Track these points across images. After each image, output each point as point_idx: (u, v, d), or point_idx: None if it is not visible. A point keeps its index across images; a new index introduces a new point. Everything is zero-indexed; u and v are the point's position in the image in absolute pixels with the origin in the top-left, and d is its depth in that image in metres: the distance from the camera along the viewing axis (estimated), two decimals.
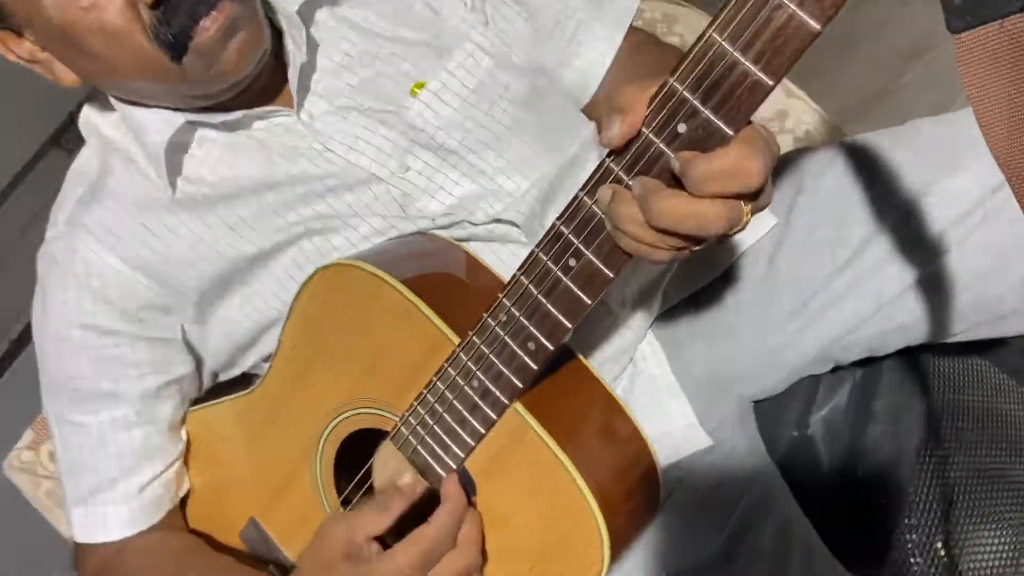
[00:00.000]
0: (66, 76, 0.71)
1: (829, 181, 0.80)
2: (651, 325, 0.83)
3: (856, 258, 0.78)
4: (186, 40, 0.65)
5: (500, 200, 0.76)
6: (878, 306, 0.77)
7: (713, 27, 0.46)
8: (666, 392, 0.80)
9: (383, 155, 0.75)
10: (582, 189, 0.55)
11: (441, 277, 0.70)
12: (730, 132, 0.48)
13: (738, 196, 0.46)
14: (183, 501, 0.85)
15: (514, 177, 0.77)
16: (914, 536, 0.88)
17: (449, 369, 0.65)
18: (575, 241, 0.57)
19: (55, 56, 0.69)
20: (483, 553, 0.68)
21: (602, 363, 0.79)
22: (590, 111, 0.85)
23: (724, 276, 0.84)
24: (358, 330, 0.71)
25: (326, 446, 0.76)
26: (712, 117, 0.48)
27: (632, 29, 0.84)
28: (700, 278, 0.84)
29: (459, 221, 0.76)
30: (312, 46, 0.75)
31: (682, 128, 0.49)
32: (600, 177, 0.53)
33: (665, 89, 0.49)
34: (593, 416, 0.68)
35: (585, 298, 0.58)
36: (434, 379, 0.66)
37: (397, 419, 0.70)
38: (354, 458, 0.78)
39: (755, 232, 0.82)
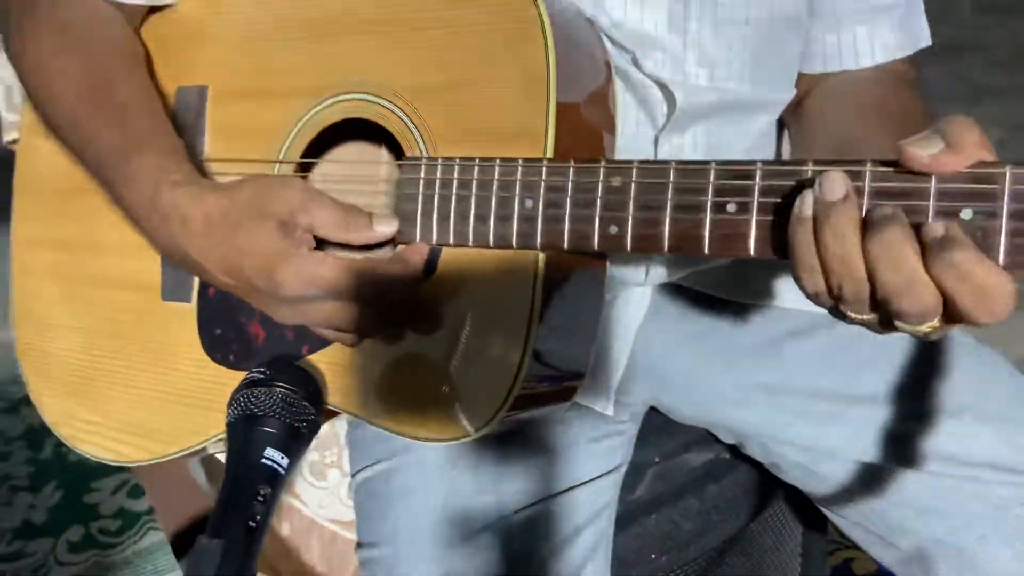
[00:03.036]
0: None
1: None
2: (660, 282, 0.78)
3: (849, 402, 0.75)
4: None
5: (675, 70, 0.67)
6: (824, 450, 0.76)
7: None
8: (621, 336, 0.75)
9: None
10: (828, 165, 0.47)
11: (583, 81, 0.61)
12: (1001, 262, 0.42)
13: (952, 312, 0.41)
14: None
15: (704, 68, 0.68)
16: None
17: (520, 167, 0.57)
18: (754, 195, 0.49)
19: None
20: (394, 335, 0.61)
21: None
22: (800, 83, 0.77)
23: (748, 308, 0.79)
24: (463, 44, 0.60)
25: (334, 106, 0.65)
26: (1004, 235, 0.42)
27: (903, 70, 0.76)
28: (733, 290, 0.79)
29: (628, 50, 0.66)
30: None
31: (966, 215, 0.43)
32: (842, 169, 0.46)
33: (992, 169, 0.42)
34: (576, 314, 0.62)
35: (706, 246, 0.51)
36: (496, 159, 0.58)
37: (424, 149, 0.61)
38: (346, 135, 0.68)
39: (803, 301, 0.78)
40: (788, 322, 0.78)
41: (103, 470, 1.60)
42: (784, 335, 0.77)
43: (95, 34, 0.68)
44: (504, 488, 0.68)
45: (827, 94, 0.77)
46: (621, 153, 0.64)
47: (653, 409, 0.85)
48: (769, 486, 0.95)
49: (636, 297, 0.76)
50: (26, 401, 1.73)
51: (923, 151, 0.43)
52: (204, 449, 0.74)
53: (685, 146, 0.69)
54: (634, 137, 0.68)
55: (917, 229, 0.42)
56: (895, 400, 0.74)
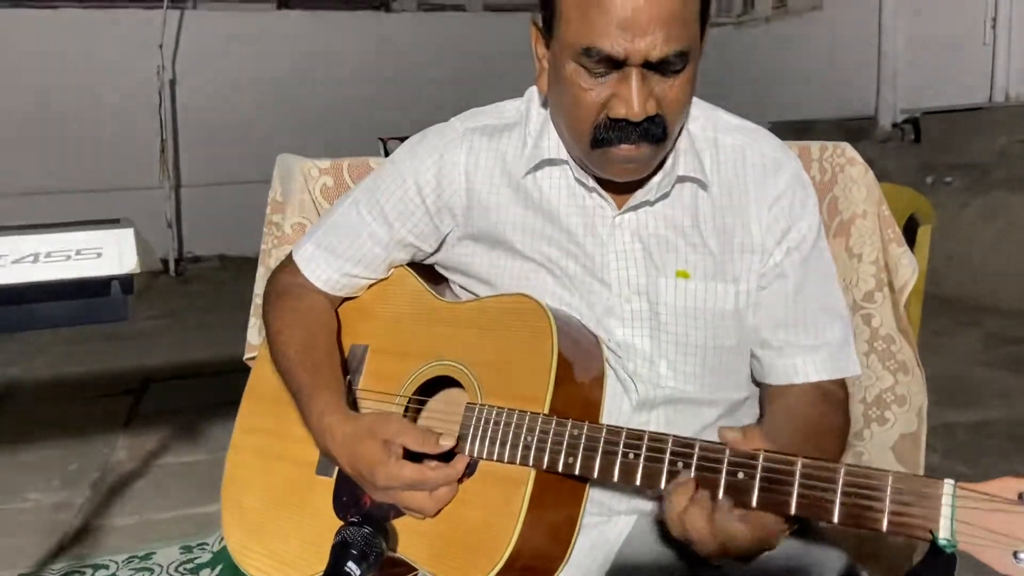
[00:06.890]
0: (542, 85, 1.04)
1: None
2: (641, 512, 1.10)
3: None
4: (606, 145, 0.97)
5: (651, 371, 1.05)
6: None
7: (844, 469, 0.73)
8: (607, 548, 1.07)
9: (625, 281, 1.05)
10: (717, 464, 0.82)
11: (579, 369, 0.99)
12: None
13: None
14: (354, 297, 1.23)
15: (670, 371, 1.05)
16: None
17: (528, 415, 0.95)
18: (642, 450, 0.85)
19: (548, 72, 1.02)
20: (443, 512, 0.98)
21: (593, 500, 1.07)
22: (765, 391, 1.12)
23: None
24: (509, 340, 1.01)
25: (435, 367, 1.08)
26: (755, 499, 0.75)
27: (832, 389, 1.08)
28: None
29: (619, 355, 1.05)
30: (665, 195, 1.05)
31: (741, 475, 0.77)
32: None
33: (768, 451, 0.77)
34: (558, 520, 0.96)
35: (615, 477, 0.86)
36: (516, 410, 0.96)
37: (480, 398, 1.01)
38: (437, 385, 1.10)
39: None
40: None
41: None
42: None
43: (311, 316, 1.16)
44: None
45: (779, 399, 1.10)
46: (608, 419, 1.01)
47: None
48: None
49: (622, 521, 1.09)
50: (205, 566, 2.18)
51: (730, 435, 0.78)
52: None
53: (652, 421, 1.05)
54: (619, 410, 1.05)
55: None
56: None
